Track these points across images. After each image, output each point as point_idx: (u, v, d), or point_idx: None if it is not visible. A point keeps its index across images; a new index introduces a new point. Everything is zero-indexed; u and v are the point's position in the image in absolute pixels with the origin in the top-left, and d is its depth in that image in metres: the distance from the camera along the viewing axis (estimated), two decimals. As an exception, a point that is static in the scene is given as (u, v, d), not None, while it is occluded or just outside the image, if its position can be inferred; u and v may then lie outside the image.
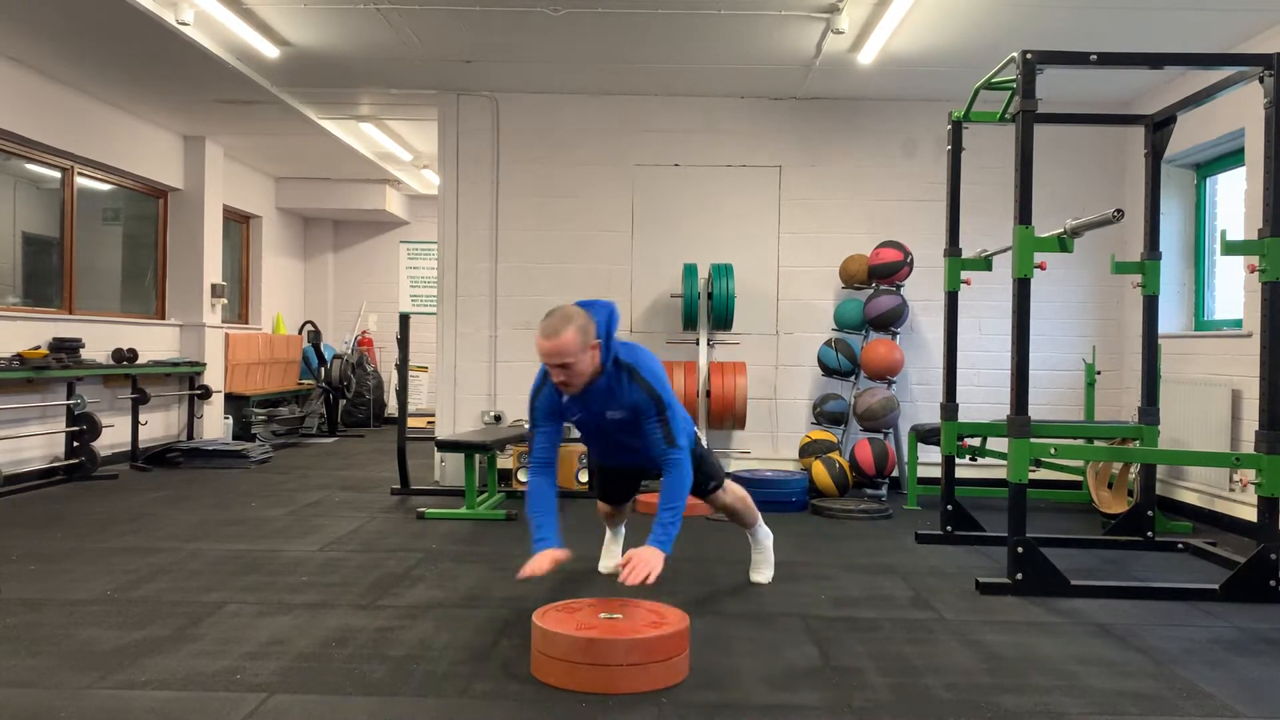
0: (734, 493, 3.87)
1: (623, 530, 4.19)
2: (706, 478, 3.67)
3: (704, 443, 3.59)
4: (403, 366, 6.24)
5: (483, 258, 6.78)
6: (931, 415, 6.52)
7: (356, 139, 8.55)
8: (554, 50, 5.89)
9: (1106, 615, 3.58)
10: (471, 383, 6.78)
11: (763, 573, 4.00)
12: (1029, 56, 3.89)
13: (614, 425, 3.36)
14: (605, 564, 4.10)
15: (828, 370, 6.49)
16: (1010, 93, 4.22)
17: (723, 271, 6.27)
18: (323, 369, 10.43)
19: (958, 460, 5.17)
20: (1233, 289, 5.90)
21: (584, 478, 6.21)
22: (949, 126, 4.99)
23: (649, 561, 3.01)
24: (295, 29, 5.59)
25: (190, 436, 8.21)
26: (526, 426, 3.38)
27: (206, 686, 2.70)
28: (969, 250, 5.11)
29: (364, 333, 11.56)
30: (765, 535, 4.04)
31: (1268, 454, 3.73)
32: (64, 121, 6.72)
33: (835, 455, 6.16)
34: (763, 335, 6.79)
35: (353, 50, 5.95)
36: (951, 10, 5.10)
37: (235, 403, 8.79)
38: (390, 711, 2.55)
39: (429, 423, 10.21)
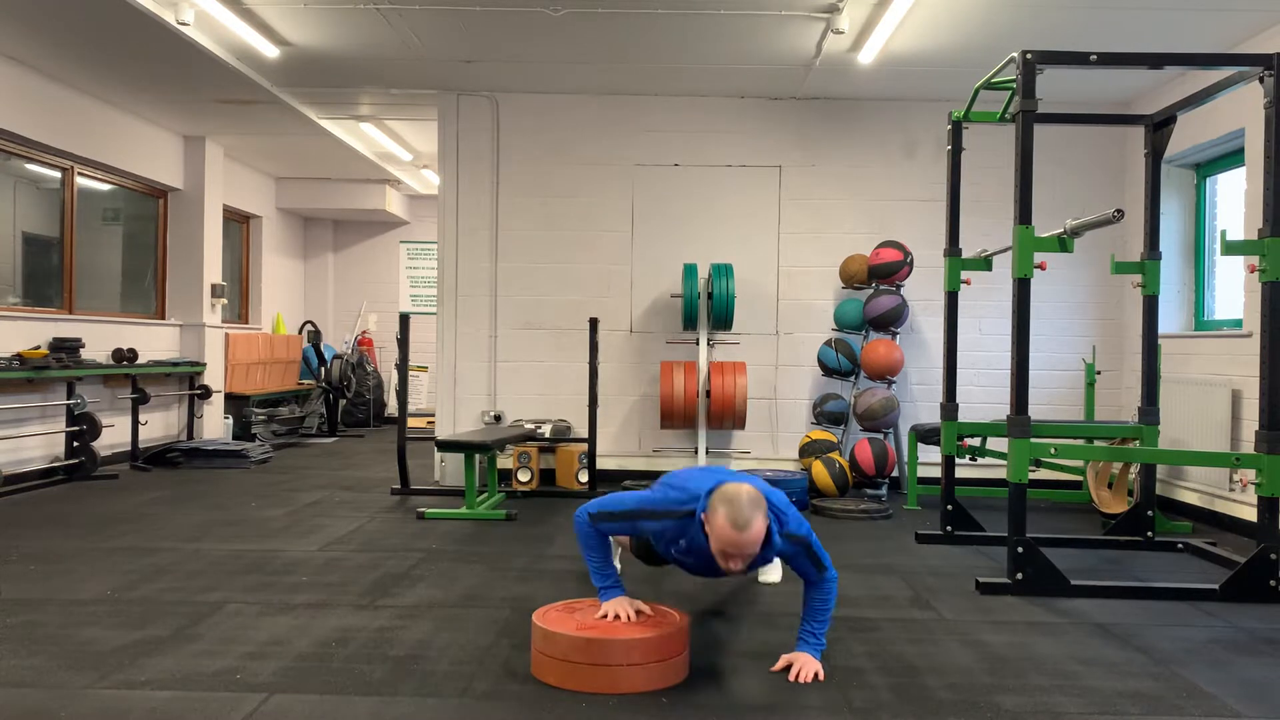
0: None
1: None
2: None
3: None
4: (403, 366, 6.24)
5: (483, 258, 6.78)
6: (931, 415, 6.52)
7: (356, 139, 8.55)
8: (554, 50, 5.89)
9: (1106, 615, 3.58)
10: (471, 383, 6.78)
11: (772, 574, 4.00)
12: (1029, 56, 3.89)
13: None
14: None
15: (828, 370, 6.49)
16: (1010, 93, 4.22)
17: (723, 271, 6.27)
18: (323, 369, 10.43)
19: (958, 460, 5.16)
20: (1233, 289, 5.90)
21: (584, 478, 6.21)
22: (949, 126, 4.99)
23: (815, 665, 2.87)
24: (295, 29, 5.59)
25: (190, 436, 8.20)
26: (617, 498, 3.09)
27: (206, 686, 2.70)
28: (969, 250, 5.11)
29: (364, 333, 11.56)
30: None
31: (1268, 454, 3.73)
32: (64, 121, 6.72)
33: (835, 455, 6.16)
34: (763, 335, 6.79)
35: (353, 50, 5.95)
36: (951, 10, 5.10)
37: (235, 403, 8.79)
38: (390, 711, 2.55)
39: (429, 423, 10.21)
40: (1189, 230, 6.31)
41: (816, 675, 2.84)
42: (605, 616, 2.90)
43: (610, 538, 3.13)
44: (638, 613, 2.92)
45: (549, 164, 6.80)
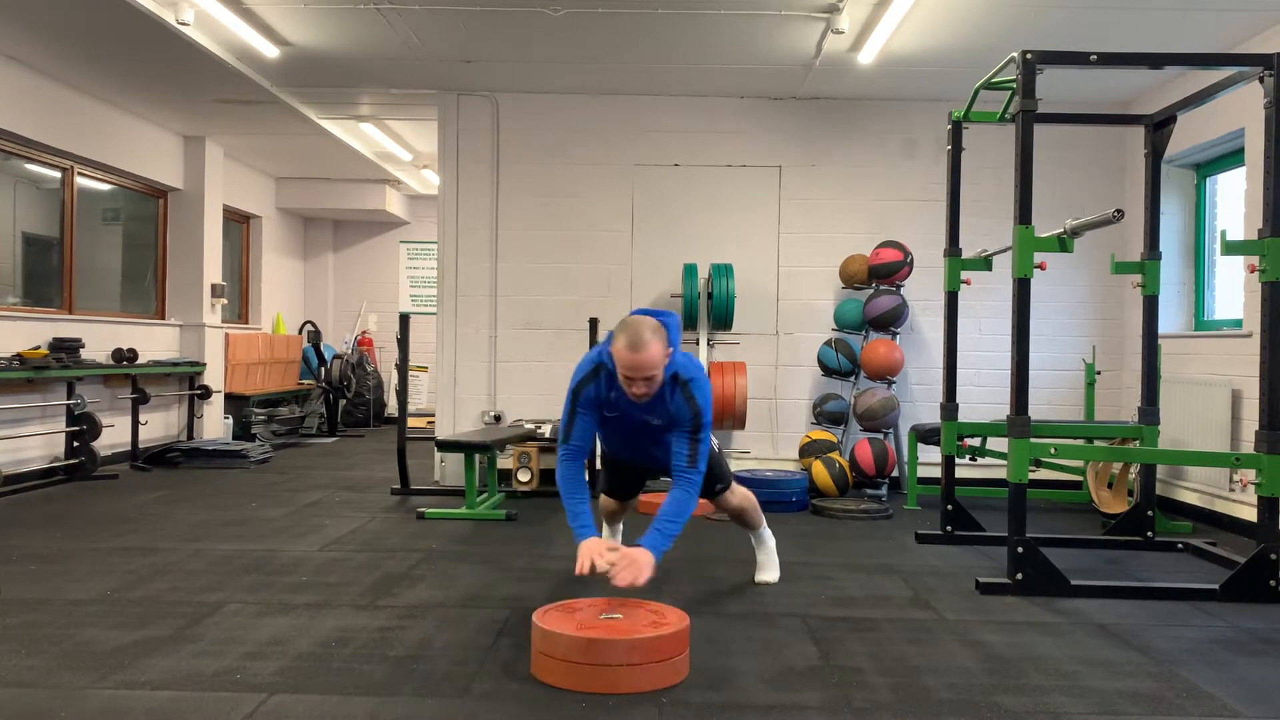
0: (740, 494, 3.90)
1: (621, 528, 4.20)
2: (715, 479, 3.68)
3: (715, 445, 3.60)
4: (403, 366, 6.24)
5: (483, 258, 6.78)
6: (931, 415, 6.52)
7: (356, 139, 8.55)
8: (554, 50, 5.89)
9: (1106, 615, 3.58)
10: (471, 383, 6.78)
11: (769, 573, 4.01)
12: (1029, 56, 3.89)
13: (647, 429, 3.39)
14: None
15: (828, 370, 6.49)
16: (1010, 93, 4.22)
17: (723, 271, 6.27)
18: (323, 369, 10.43)
19: (958, 460, 5.16)
20: (1233, 289, 5.90)
21: (584, 477, 6.20)
22: (949, 126, 4.99)
23: (639, 563, 3.01)
24: (295, 29, 5.59)
25: (190, 436, 8.20)
26: (564, 411, 3.35)
27: (206, 686, 2.70)
28: (969, 250, 5.11)
29: (364, 333, 11.56)
30: (770, 537, 4.06)
31: (1268, 454, 3.73)
32: (64, 121, 6.72)
33: (835, 455, 6.16)
34: (763, 335, 6.79)
35: (353, 50, 5.95)
36: (951, 10, 5.10)
37: (235, 403, 8.79)
38: (390, 711, 2.55)
39: (429, 423, 10.21)
40: (1189, 230, 6.31)
41: (634, 581, 2.94)
42: (581, 570, 3.01)
43: (582, 478, 3.33)
44: (610, 550, 3.06)
45: (549, 164, 6.80)
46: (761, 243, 6.80)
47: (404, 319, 6.39)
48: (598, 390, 3.32)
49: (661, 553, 3.13)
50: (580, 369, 3.35)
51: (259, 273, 10.23)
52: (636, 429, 3.43)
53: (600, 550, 3.06)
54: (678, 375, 3.24)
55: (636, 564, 3.01)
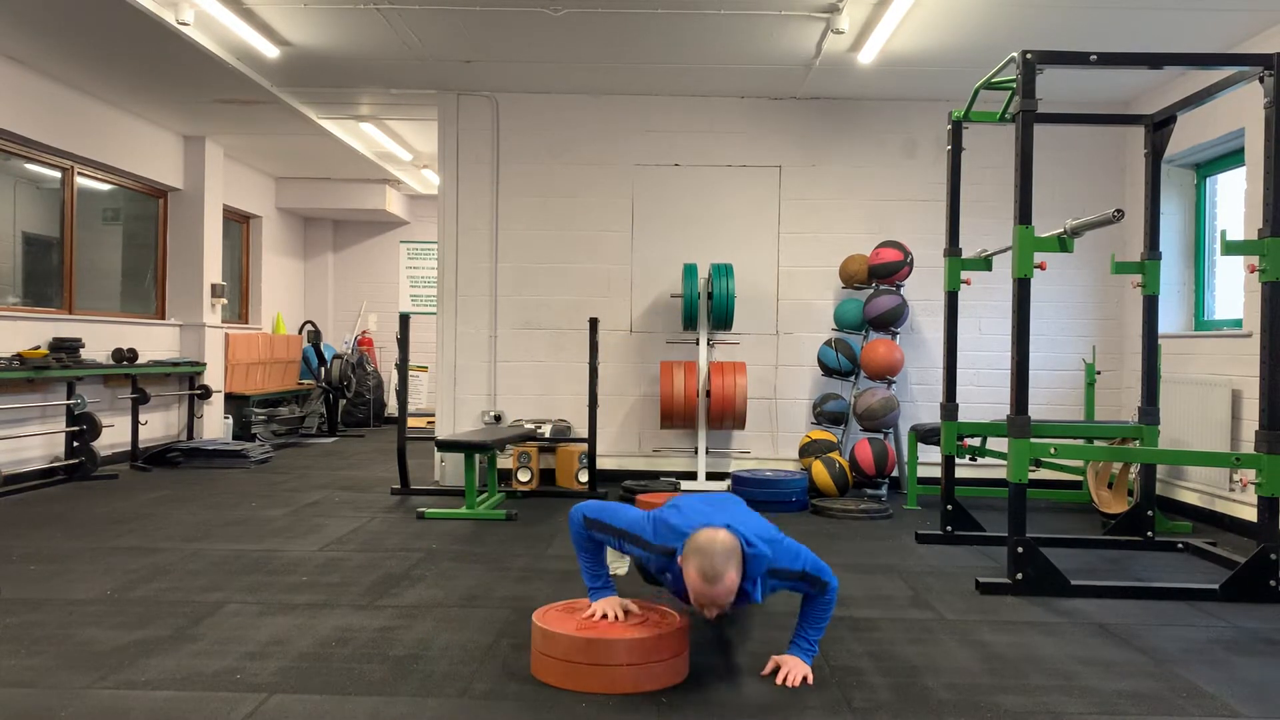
0: None
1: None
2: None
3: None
4: (403, 366, 6.24)
5: (483, 258, 6.78)
6: (931, 415, 6.52)
7: (356, 139, 8.55)
8: (554, 50, 5.89)
9: (1106, 615, 3.58)
10: (471, 383, 6.78)
11: None
12: (1029, 56, 3.89)
13: None
14: (615, 567, 4.08)
15: (828, 370, 6.49)
16: (1010, 93, 4.22)
17: (722, 271, 6.27)
18: (323, 369, 10.43)
19: (958, 460, 5.16)
20: (1233, 289, 5.90)
21: (584, 477, 6.21)
22: (949, 126, 4.99)
23: (803, 669, 2.83)
24: (295, 29, 5.59)
25: (190, 436, 8.20)
26: (610, 510, 3.02)
27: (206, 686, 2.70)
28: (969, 250, 5.11)
29: (364, 333, 11.56)
30: None
31: (1268, 454, 3.73)
32: (64, 121, 6.72)
33: (835, 455, 6.16)
34: (763, 335, 6.79)
35: (353, 50, 5.95)
36: (951, 10, 5.10)
37: (235, 403, 8.79)
38: (390, 711, 2.55)
39: (429, 423, 10.21)
40: (1189, 230, 6.31)
41: (805, 679, 2.82)
42: (593, 616, 2.89)
43: (605, 556, 3.09)
44: (625, 612, 2.91)
45: (549, 164, 6.80)
46: (761, 243, 6.80)
47: (404, 319, 6.39)
48: (662, 565, 2.92)
49: (812, 657, 2.90)
50: (653, 534, 2.90)
51: (259, 273, 10.22)
52: None
53: (616, 609, 2.89)
54: (746, 584, 2.80)
55: (799, 667, 2.83)
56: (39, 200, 7.00)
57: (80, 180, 7.21)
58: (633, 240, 6.80)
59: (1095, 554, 4.69)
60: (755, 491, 5.80)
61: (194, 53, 5.86)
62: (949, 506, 4.95)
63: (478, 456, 5.59)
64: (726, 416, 6.27)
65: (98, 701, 2.58)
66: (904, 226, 6.75)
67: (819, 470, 6.06)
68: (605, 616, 2.89)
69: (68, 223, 7.05)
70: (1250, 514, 5.00)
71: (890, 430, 6.29)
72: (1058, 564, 3.90)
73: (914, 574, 4.23)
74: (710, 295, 6.30)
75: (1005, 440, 4.14)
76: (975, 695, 2.73)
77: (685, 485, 6.35)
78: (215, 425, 8.48)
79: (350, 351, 10.94)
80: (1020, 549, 3.85)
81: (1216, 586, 3.80)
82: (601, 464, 6.53)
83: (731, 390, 6.22)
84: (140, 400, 7.28)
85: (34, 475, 6.30)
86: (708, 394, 6.30)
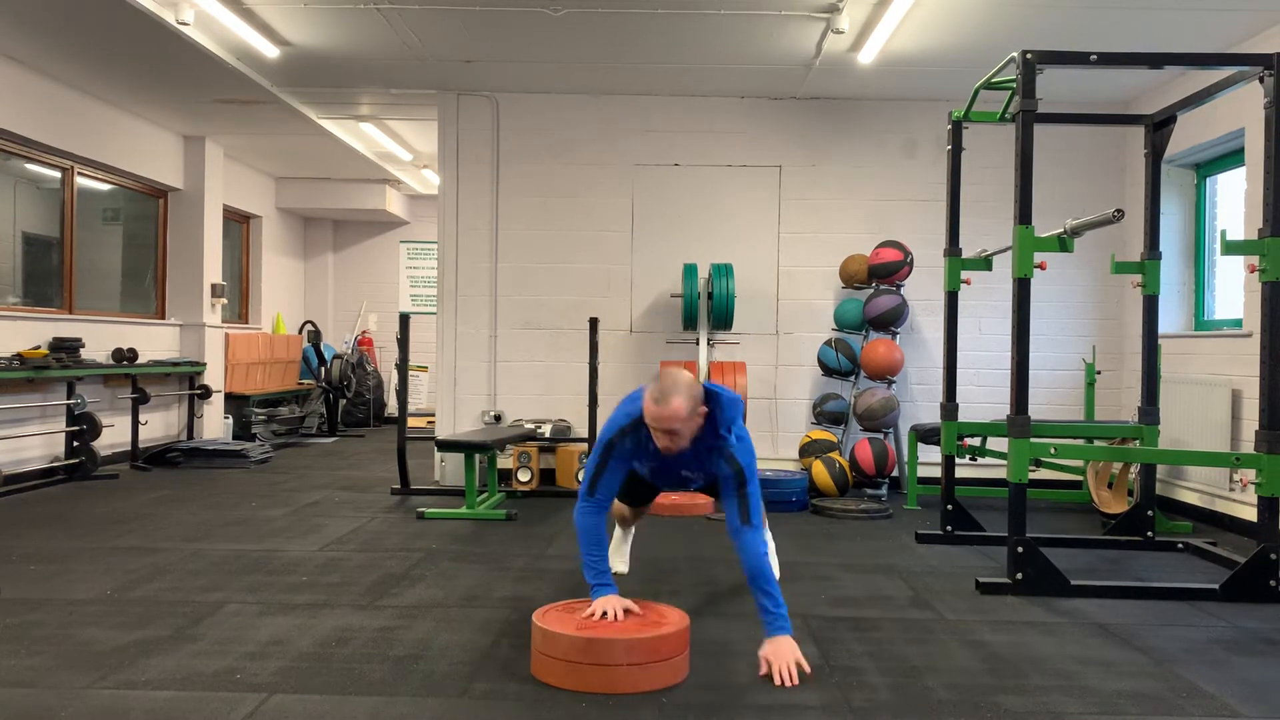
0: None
1: (633, 531, 4.18)
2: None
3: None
4: (403, 366, 6.24)
5: (483, 258, 6.78)
6: (931, 415, 6.52)
7: (356, 139, 8.55)
8: (554, 50, 5.89)
9: (1106, 615, 3.58)
10: (471, 383, 6.78)
11: None
12: (1029, 56, 3.89)
13: (684, 482, 3.36)
14: (615, 564, 4.09)
15: (828, 370, 6.49)
16: (1010, 93, 4.22)
17: (723, 271, 6.27)
18: (323, 369, 10.43)
19: (958, 460, 5.16)
20: (1233, 289, 5.90)
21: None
22: (949, 126, 4.99)
23: (790, 653, 2.84)
24: (295, 29, 5.59)
25: (190, 436, 8.20)
26: (590, 459, 3.23)
27: (206, 686, 2.70)
28: (969, 250, 5.11)
29: (364, 333, 11.56)
30: (769, 539, 3.99)
31: (1268, 454, 3.73)
32: (64, 121, 6.72)
33: (835, 455, 6.16)
34: (763, 335, 6.79)
35: (353, 50, 5.95)
36: (951, 10, 5.10)
37: (235, 403, 8.79)
38: (390, 711, 2.55)
39: (429, 423, 10.21)
40: (1189, 230, 6.31)
41: (800, 664, 2.82)
42: (593, 615, 2.91)
43: (603, 530, 3.18)
44: (626, 611, 2.93)
45: (549, 164, 6.80)
46: (761, 243, 6.80)
47: (404, 319, 6.39)
48: (636, 442, 3.17)
49: (788, 624, 2.94)
50: (615, 422, 3.20)
51: (259, 273, 10.22)
52: (673, 479, 3.38)
53: (618, 605, 2.94)
54: (720, 439, 3.09)
55: (786, 654, 2.85)
56: (39, 200, 7.00)
57: (80, 180, 7.21)
58: (633, 240, 6.80)
59: (1095, 554, 4.69)
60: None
61: (194, 53, 5.86)
62: (949, 506, 4.95)
63: (478, 456, 5.59)
64: (726, 416, 6.26)
65: (98, 701, 2.58)
66: (904, 226, 6.75)
67: (819, 470, 6.06)
68: (605, 615, 2.91)
69: (68, 223, 7.05)
70: (1250, 514, 5.00)
71: (890, 430, 6.29)
72: (1058, 564, 3.90)
73: (914, 574, 4.23)
74: (710, 295, 6.30)
75: (1005, 440, 4.14)
76: (975, 695, 2.73)
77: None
78: (215, 425, 8.48)
79: (350, 351, 10.94)
80: (1020, 549, 3.85)
81: (1216, 586, 3.80)
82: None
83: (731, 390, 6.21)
84: (140, 400, 7.28)
85: (34, 475, 6.30)
86: (708, 394, 6.29)
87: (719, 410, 3.10)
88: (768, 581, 2.96)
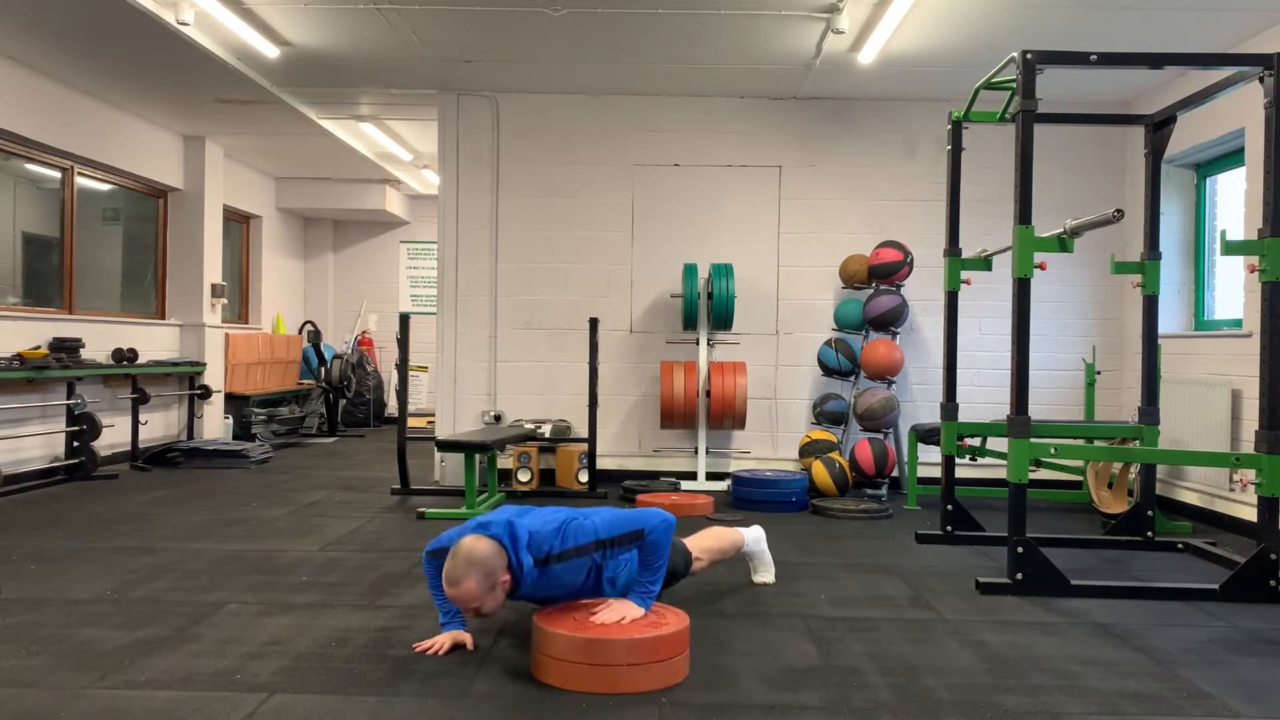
0: (708, 556, 3.70)
1: None
2: (674, 573, 3.44)
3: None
4: (403, 366, 6.24)
5: (483, 258, 6.78)
6: (931, 415, 6.52)
7: (356, 139, 8.55)
8: (554, 50, 5.89)
9: (1106, 615, 3.58)
10: (471, 383, 6.78)
11: (764, 574, 4.00)
12: (1029, 56, 3.89)
13: (558, 595, 3.13)
14: None
15: (828, 370, 6.49)
16: (1010, 93, 4.22)
17: (723, 271, 6.27)
18: (323, 369, 10.43)
19: (958, 460, 5.16)
20: (1233, 289, 5.90)
21: (584, 478, 6.21)
22: (949, 126, 4.99)
23: (626, 609, 2.91)
24: (295, 29, 5.59)
25: (190, 436, 8.20)
26: (426, 571, 3.18)
27: (206, 686, 2.70)
28: (969, 250, 5.11)
29: (364, 333, 11.56)
30: (754, 542, 3.95)
31: (1268, 454, 3.73)
32: (64, 121, 6.72)
33: (835, 455, 6.16)
34: (763, 335, 6.79)
35: (353, 50, 5.95)
36: (951, 10, 5.10)
37: (235, 403, 8.79)
38: (390, 711, 2.55)
39: (429, 423, 10.21)
40: (1189, 230, 6.31)
41: (624, 618, 2.86)
42: (430, 650, 2.99)
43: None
44: (455, 643, 3.03)
45: (549, 164, 6.80)
46: (761, 243, 6.80)
47: (404, 319, 6.39)
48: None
49: (649, 604, 2.96)
50: (442, 544, 3.07)
51: (259, 273, 10.22)
52: (548, 598, 3.13)
53: (447, 642, 3.01)
54: (550, 555, 2.97)
55: (622, 607, 2.91)
56: (39, 200, 7.00)
57: (80, 180, 7.21)
58: (633, 240, 6.80)
59: (1095, 554, 4.69)
60: (755, 491, 5.80)
61: (194, 53, 5.86)
62: (949, 506, 4.95)
63: (478, 456, 5.59)
64: (726, 416, 6.27)
65: (98, 701, 2.58)
66: (904, 226, 6.75)
67: (819, 470, 6.06)
68: (441, 648, 3.00)
69: (68, 223, 7.05)
70: (1250, 514, 5.00)
71: (890, 430, 6.29)
72: (1058, 564, 3.90)
73: (914, 574, 4.23)
74: (710, 295, 6.30)
75: (1005, 440, 4.14)
76: (975, 695, 2.73)
77: (685, 485, 6.36)
78: (215, 425, 8.48)
79: (350, 351, 10.94)
80: (1020, 549, 3.85)
81: (1216, 586, 3.80)
82: (601, 464, 6.53)
83: (731, 390, 6.22)
84: (140, 400, 7.28)
85: (34, 475, 6.30)
86: (708, 394, 6.30)
87: (524, 558, 2.94)
88: (648, 569, 3.03)
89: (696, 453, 6.46)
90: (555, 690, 2.70)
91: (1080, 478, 6.18)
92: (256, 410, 9.10)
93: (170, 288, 8.36)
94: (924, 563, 4.45)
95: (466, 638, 3.07)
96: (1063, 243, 4.11)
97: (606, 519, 3.05)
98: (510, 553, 2.94)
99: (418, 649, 3.03)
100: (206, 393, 8.27)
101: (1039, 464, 5.40)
